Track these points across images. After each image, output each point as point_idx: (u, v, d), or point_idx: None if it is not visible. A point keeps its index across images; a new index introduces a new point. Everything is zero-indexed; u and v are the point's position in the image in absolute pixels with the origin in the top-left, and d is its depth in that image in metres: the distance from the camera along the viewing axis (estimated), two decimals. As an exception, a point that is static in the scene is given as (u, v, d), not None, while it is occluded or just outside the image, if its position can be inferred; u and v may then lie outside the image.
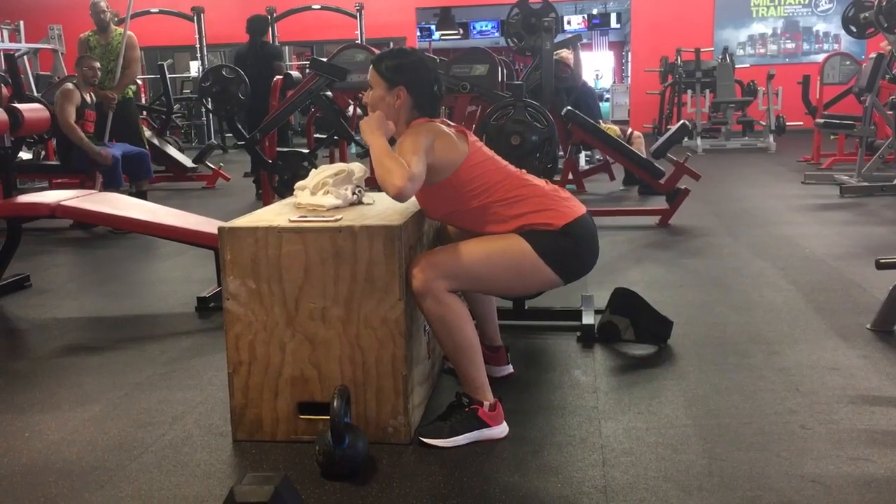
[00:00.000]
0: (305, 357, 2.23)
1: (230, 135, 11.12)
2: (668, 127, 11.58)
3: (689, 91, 11.42)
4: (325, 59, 5.54)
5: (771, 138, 10.53)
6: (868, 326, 3.11)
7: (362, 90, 6.34)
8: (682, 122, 5.65)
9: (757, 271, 4.10)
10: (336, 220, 2.22)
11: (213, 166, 8.52)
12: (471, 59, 5.07)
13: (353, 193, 2.53)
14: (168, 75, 9.41)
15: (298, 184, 2.67)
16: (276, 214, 2.37)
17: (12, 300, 3.95)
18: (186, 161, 8.55)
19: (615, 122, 15.93)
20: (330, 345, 2.21)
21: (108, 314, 3.72)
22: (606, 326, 3.05)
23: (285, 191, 5.72)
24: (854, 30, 7.17)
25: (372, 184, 2.47)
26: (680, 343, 2.99)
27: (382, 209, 2.41)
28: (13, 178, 4.00)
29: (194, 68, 14.57)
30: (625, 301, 3.06)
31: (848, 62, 8.96)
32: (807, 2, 13.36)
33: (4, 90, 5.37)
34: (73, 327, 3.52)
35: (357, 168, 2.59)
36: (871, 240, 4.84)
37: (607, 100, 19.68)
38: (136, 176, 6.30)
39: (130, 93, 6.86)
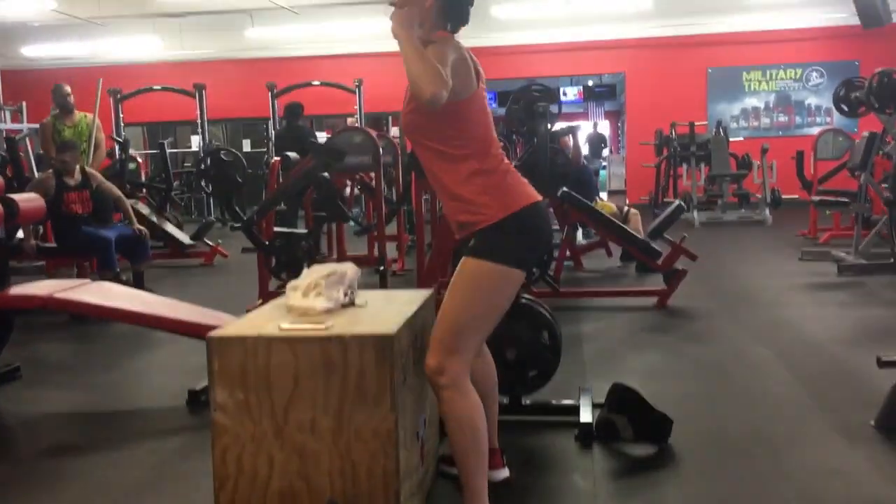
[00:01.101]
0: (294, 470, 2.16)
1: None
2: (665, 200, 11.68)
3: (685, 164, 11.52)
4: (322, 143, 5.57)
5: (767, 211, 10.58)
6: (871, 423, 3.04)
7: (360, 172, 6.38)
8: (677, 202, 5.67)
9: (757, 359, 4.05)
10: (326, 329, 2.18)
11: (211, 243, 8.52)
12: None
13: (346, 295, 2.50)
14: (168, 150, 9.51)
15: (291, 283, 2.63)
16: (266, 319, 2.33)
17: (2, 393, 3.88)
18: (184, 238, 8.56)
19: (611, 193, 16.10)
20: (319, 457, 2.15)
21: (98, 409, 3.64)
22: (605, 424, 2.98)
23: (281, 273, 5.71)
24: (846, 109, 7.27)
25: (368, 267, 2.43)
26: (680, 442, 2.92)
27: (374, 312, 2.37)
28: (7, 269, 3.97)
29: (195, 142, 14.74)
30: (623, 398, 3.00)
31: (840, 138, 9.05)
32: (797, 77, 13.57)
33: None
34: (61, 424, 3.45)
35: (350, 269, 2.57)
36: (869, 323, 4.80)
37: (604, 167, 19.92)
38: (134, 258, 6.29)
39: None
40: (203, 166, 5.73)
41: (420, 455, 2.44)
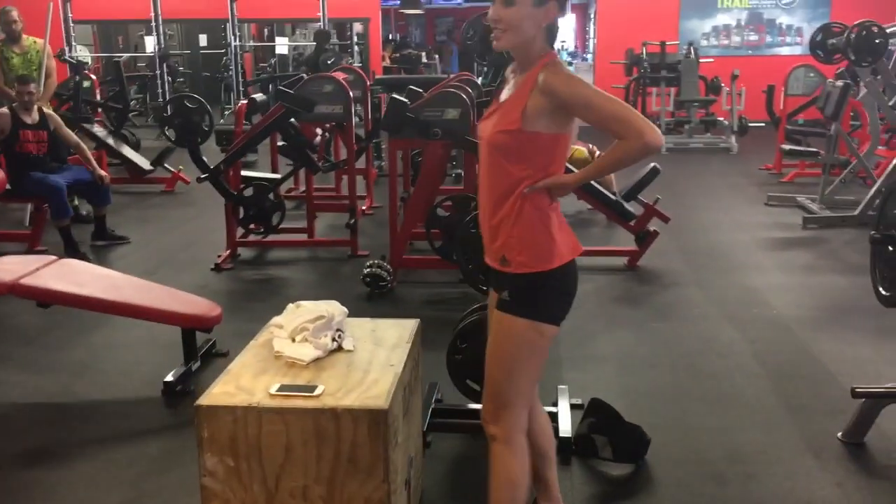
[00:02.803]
0: (286, 533, 2.17)
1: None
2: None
3: (655, 88, 11.40)
4: (291, 92, 5.37)
5: (733, 139, 10.60)
6: (839, 436, 3.14)
7: (330, 121, 6.19)
8: (653, 165, 5.62)
9: (727, 345, 4.12)
10: (317, 396, 2.15)
11: (172, 169, 8.28)
12: (442, 102, 4.94)
13: (333, 340, 2.46)
14: (125, 54, 9.10)
15: (275, 320, 2.59)
16: (253, 377, 2.28)
17: (-32, 372, 3.82)
18: (144, 163, 8.30)
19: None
20: (311, 522, 2.16)
21: (70, 399, 3.59)
22: (584, 441, 3.04)
23: (249, 224, 5.60)
24: (821, 54, 7.19)
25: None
26: (657, 460, 2.98)
27: (364, 367, 2.34)
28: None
29: (150, 44, 14.13)
30: (602, 416, 3.05)
31: (812, 73, 8.99)
32: (772, -6, 13.36)
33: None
34: (34, 419, 3.41)
35: (336, 311, 2.52)
36: (834, 297, 4.90)
37: (571, 64, 19.58)
38: (94, 201, 6.10)
39: (49, 107, 6.73)
40: (166, 113, 5.46)
41: (407, 498, 2.47)
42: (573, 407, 3.30)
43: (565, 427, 3.12)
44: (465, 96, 5.00)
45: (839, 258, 5.76)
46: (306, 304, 2.57)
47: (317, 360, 2.37)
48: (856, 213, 6.63)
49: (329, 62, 6.29)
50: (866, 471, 2.94)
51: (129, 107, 8.98)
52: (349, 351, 2.46)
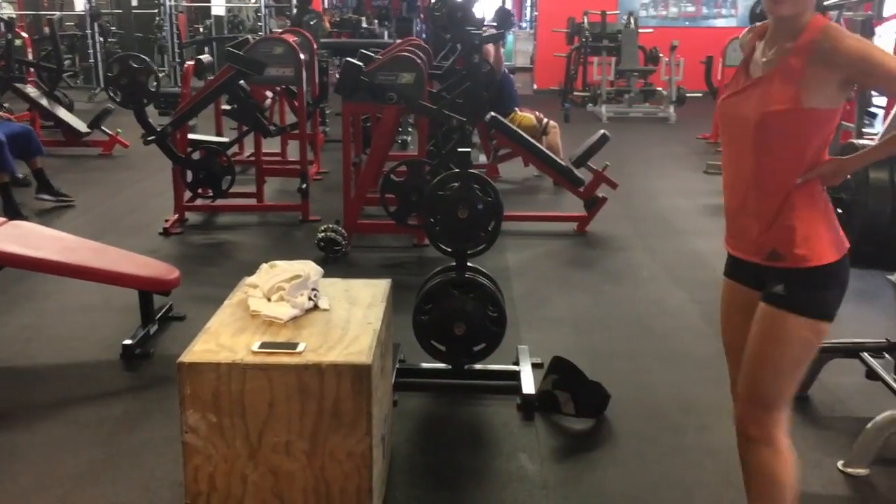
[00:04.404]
0: (268, 488, 2.20)
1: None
2: (574, 91, 11.76)
3: (596, 57, 11.55)
4: (240, 54, 5.28)
5: (672, 109, 10.82)
6: (784, 390, 3.31)
7: (280, 84, 6.11)
8: (602, 132, 5.72)
9: (676, 307, 4.27)
10: (300, 353, 2.18)
11: (109, 132, 8.07)
12: (397, 66, 4.94)
13: (310, 299, 2.48)
14: (53, 12, 8.78)
15: (249, 280, 2.60)
16: (233, 335, 2.29)
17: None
18: (80, 126, 8.07)
19: (518, 70, 16.02)
20: (294, 477, 2.19)
21: (26, 363, 3.53)
22: (547, 397, 3.13)
23: (197, 188, 5.53)
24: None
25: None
26: (616, 414, 3.09)
27: (343, 323, 2.37)
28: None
29: (78, 2, 13.66)
30: (564, 373, 3.14)
31: (750, 45, 9.21)
32: (708, -34, 13.60)
33: None
34: (-10, 383, 3.35)
35: (312, 270, 2.54)
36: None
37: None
38: (26, 156, 5.92)
39: None
40: (110, 73, 5.32)
41: (382, 453, 2.52)
42: (534, 366, 3.39)
43: (528, 384, 3.21)
44: (419, 61, 5.02)
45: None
46: (281, 264, 2.59)
47: (294, 318, 2.40)
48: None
49: (312, 23, 6.21)
50: (811, 421, 3.11)
51: (63, 67, 8.67)
52: (325, 310, 2.48)
